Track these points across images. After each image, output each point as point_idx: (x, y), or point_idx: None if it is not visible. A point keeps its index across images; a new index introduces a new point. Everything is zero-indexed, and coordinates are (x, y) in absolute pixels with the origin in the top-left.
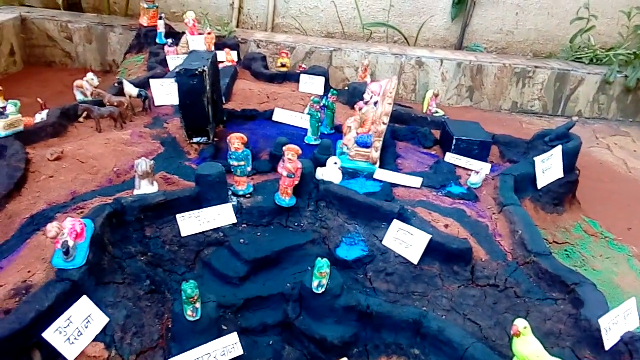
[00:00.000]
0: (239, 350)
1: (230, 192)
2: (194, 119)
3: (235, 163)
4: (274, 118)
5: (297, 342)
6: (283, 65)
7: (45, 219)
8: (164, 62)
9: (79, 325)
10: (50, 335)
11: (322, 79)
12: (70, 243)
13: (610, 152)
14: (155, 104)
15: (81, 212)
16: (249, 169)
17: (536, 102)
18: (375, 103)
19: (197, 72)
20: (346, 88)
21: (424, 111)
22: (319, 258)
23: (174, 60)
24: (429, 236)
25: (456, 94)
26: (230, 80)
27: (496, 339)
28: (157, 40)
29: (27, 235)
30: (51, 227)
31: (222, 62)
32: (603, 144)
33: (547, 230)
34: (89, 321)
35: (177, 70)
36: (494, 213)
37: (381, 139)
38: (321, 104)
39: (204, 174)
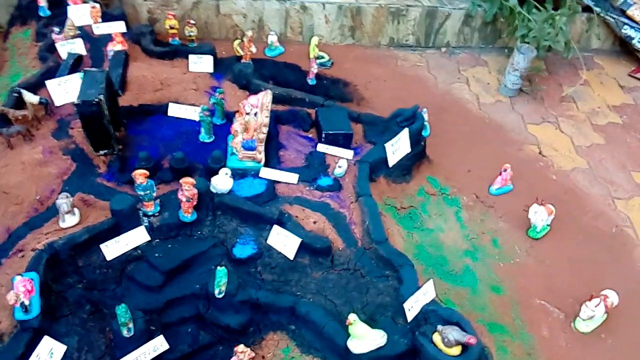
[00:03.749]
0: (165, 346)
1: (141, 214)
2: (98, 137)
3: (142, 193)
4: (170, 113)
5: (209, 329)
6: (172, 28)
7: None
8: (53, 47)
9: (46, 357)
10: None
11: (210, 58)
12: (26, 302)
13: (467, 87)
14: (56, 104)
15: (23, 256)
16: (154, 194)
17: (410, 37)
18: (255, 114)
19: (94, 102)
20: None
21: (311, 57)
22: (218, 268)
23: (64, 47)
24: (300, 240)
25: (340, 34)
26: (124, 69)
27: (346, 314)
28: (41, 14)
29: None
30: (10, 297)
31: (112, 41)
32: (463, 78)
33: (396, 199)
34: (52, 353)
35: (75, 102)
36: (352, 202)
37: (263, 144)
38: (211, 103)
39: (118, 209)
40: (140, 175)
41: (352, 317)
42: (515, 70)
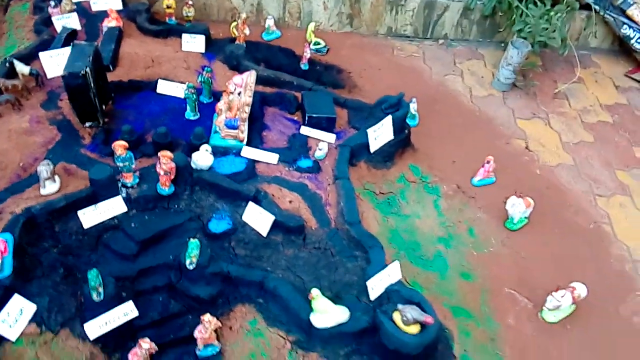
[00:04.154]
0: (135, 312)
1: (120, 185)
2: (84, 109)
3: (121, 164)
4: (158, 90)
5: (180, 298)
6: (169, 7)
7: None
8: (49, 21)
9: (16, 315)
10: None
11: (202, 38)
12: None
13: (461, 79)
14: (48, 76)
15: (0, 219)
16: (133, 166)
17: (408, 27)
18: (239, 93)
19: (80, 74)
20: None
21: (308, 40)
22: (191, 240)
23: (59, 21)
24: (273, 217)
25: (338, 21)
26: (116, 45)
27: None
28: None
29: None
30: None
31: (108, 17)
32: (458, 71)
33: (375, 185)
34: (22, 311)
35: (62, 74)
36: (329, 184)
37: (245, 123)
38: (198, 81)
39: (96, 179)
40: (119, 147)
41: (315, 292)
42: (509, 65)
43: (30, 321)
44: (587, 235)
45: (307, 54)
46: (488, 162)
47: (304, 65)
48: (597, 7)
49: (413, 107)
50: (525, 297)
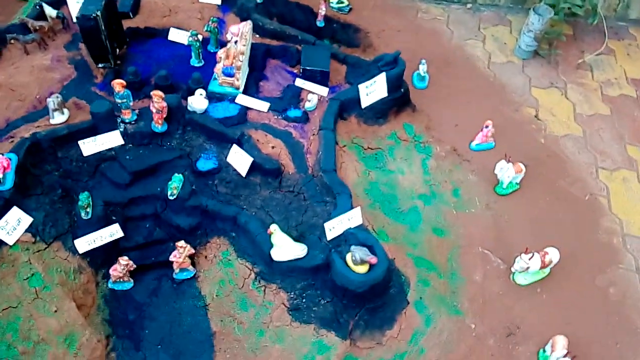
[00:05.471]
0: (120, 233)
1: (119, 120)
2: (96, 50)
3: (119, 101)
4: (170, 38)
5: (164, 227)
6: None
7: None
8: None
9: (14, 224)
10: None
11: None
12: (0, 175)
13: (482, 44)
14: (74, 21)
15: (12, 142)
16: (131, 104)
17: None
18: (236, 42)
19: (91, 17)
20: None
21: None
22: (175, 174)
23: None
24: (251, 159)
25: None
26: None
27: (282, 228)
28: None
29: None
30: None
31: None
32: (480, 36)
33: (364, 140)
34: (19, 221)
35: (76, 15)
36: (313, 134)
37: (240, 71)
38: (205, 31)
39: (96, 112)
40: (117, 84)
41: (273, 227)
42: (530, 32)
43: (26, 231)
44: (579, 206)
45: (323, 11)
46: (487, 126)
47: (319, 23)
48: None
49: (422, 68)
50: (499, 258)
